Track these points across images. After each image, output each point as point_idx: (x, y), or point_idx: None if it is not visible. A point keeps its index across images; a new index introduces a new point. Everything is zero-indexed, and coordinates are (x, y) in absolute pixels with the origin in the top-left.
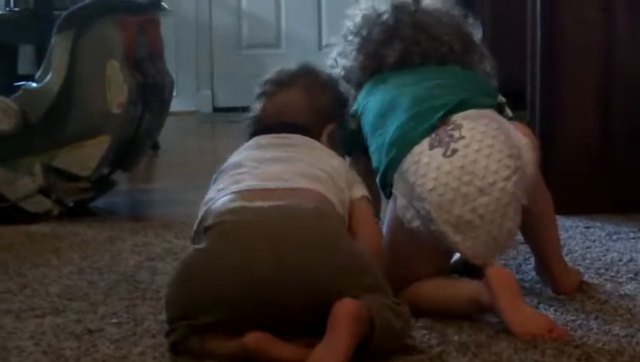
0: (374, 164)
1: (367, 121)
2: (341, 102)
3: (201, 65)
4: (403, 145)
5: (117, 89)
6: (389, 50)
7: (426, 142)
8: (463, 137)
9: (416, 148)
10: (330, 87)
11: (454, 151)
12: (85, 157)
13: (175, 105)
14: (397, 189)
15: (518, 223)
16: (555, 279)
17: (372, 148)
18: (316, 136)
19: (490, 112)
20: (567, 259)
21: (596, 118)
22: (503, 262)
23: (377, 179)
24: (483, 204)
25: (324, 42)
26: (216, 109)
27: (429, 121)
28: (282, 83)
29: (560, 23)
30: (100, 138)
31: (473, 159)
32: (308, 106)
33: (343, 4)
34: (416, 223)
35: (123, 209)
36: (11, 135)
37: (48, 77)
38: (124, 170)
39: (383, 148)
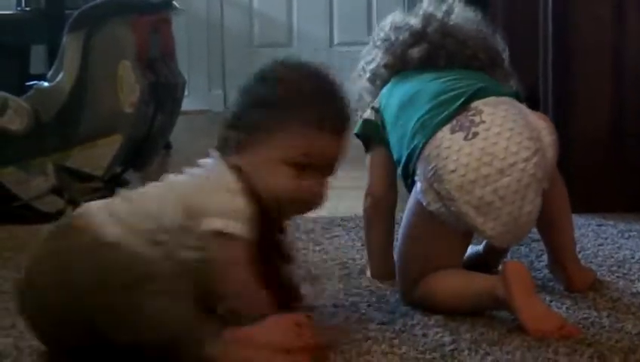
0: (395, 156)
1: (389, 114)
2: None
3: (212, 65)
4: (425, 133)
5: (129, 89)
6: (414, 49)
7: (447, 128)
8: (483, 121)
9: (438, 134)
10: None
11: (475, 134)
12: (98, 156)
13: (187, 105)
14: (418, 176)
15: (538, 207)
16: (569, 277)
17: (393, 141)
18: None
19: (509, 99)
20: (579, 256)
21: (608, 115)
22: (515, 260)
23: (399, 170)
24: (503, 185)
25: (335, 40)
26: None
27: (450, 109)
28: None
29: (572, 19)
30: (113, 137)
31: (494, 141)
32: None
33: (355, 2)
34: (436, 206)
35: None
36: (24, 135)
37: (60, 76)
38: (137, 169)
39: (404, 139)
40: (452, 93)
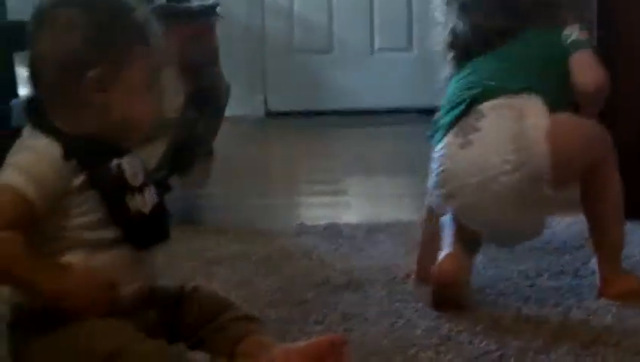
0: None
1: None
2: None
3: (252, 70)
4: (437, 136)
5: (171, 95)
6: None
7: (452, 132)
8: (479, 130)
9: (445, 139)
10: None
11: (469, 142)
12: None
13: (227, 110)
14: None
15: (528, 216)
16: (601, 282)
17: None
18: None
19: (517, 101)
20: (624, 263)
21: None
22: (561, 268)
23: None
24: (485, 196)
25: (376, 47)
26: (268, 114)
27: (455, 112)
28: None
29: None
30: (155, 143)
31: (481, 152)
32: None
33: (395, 8)
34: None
35: (177, 213)
36: None
37: None
38: (180, 174)
39: None
40: (462, 96)
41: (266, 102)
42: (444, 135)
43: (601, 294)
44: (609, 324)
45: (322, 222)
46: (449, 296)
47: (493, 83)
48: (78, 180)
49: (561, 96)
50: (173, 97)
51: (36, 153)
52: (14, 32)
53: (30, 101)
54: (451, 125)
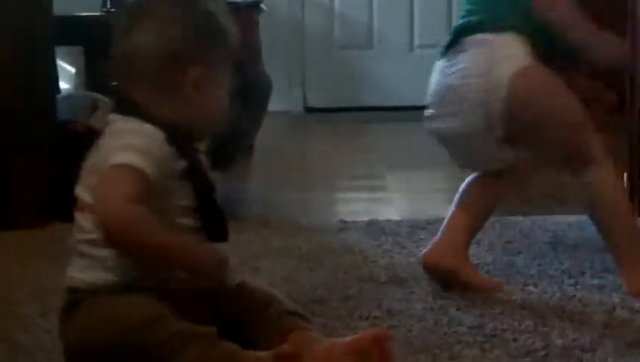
0: None
1: None
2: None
3: (292, 65)
4: (441, 52)
5: None
6: None
7: (446, 57)
8: (459, 63)
9: (441, 61)
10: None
11: (452, 72)
12: None
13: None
14: None
15: (492, 149)
16: (623, 277)
17: None
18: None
19: (496, 40)
20: None
21: None
22: (603, 266)
23: None
24: (456, 121)
25: (416, 43)
26: (307, 109)
27: (447, 39)
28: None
29: None
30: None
31: (458, 84)
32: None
33: (435, 5)
34: None
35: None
36: None
37: None
38: (222, 170)
39: None
40: (461, 20)
41: (305, 97)
42: (442, 56)
43: (625, 292)
44: None
45: (363, 218)
46: (443, 280)
47: (478, 16)
48: (179, 165)
49: (546, 33)
50: None
51: (146, 136)
52: (57, 27)
53: (116, 89)
54: (442, 54)
